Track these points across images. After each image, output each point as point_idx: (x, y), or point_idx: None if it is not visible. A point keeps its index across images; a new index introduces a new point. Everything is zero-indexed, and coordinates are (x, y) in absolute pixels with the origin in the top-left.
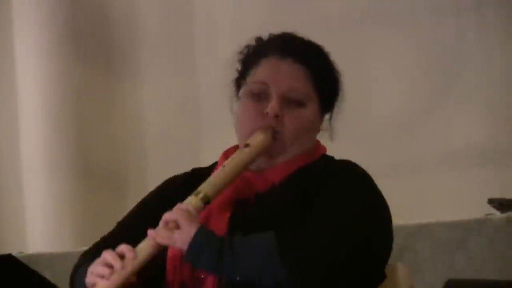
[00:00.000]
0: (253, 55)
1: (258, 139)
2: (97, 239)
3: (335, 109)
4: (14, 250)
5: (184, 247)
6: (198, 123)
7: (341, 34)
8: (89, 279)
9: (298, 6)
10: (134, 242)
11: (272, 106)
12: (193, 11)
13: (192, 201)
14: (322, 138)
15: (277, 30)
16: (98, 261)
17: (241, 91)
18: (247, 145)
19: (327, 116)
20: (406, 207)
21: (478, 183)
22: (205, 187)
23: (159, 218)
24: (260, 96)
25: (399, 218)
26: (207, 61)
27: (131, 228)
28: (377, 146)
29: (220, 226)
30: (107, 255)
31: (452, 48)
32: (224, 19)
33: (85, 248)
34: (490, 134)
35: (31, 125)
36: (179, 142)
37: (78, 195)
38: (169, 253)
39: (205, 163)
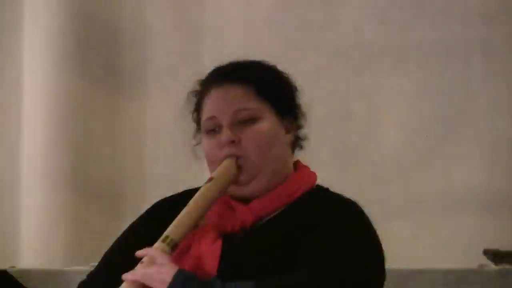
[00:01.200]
0: (198, 96)
1: (220, 171)
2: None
3: (300, 115)
4: (5, 264)
5: (163, 286)
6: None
7: (346, 68)
8: None
9: (305, 36)
10: (123, 271)
11: (224, 134)
12: (203, 33)
13: (159, 248)
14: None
15: (282, 55)
16: None
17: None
18: (210, 179)
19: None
20: (400, 250)
21: (474, 231)
22: (172, 231)
23: (146, 244)
24: (215, 130)
25: (392, 261)
26: None
27: (119, 256)
28: (375, 184)
29: (211, 266)
30: None
31: (458, 90)
32: (234, 42)
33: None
34: (490, 180)
35: (34, 136)
36: (180, 165)
37: (74, 210)
38: None
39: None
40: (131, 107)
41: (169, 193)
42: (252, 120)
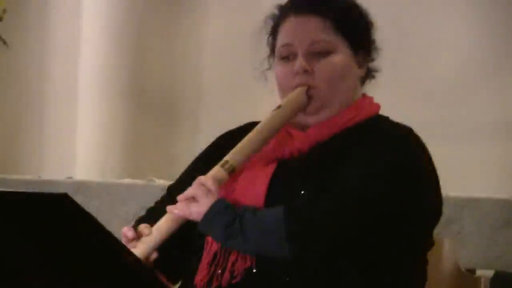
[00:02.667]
0: (276, 21)
1: (289, 98)
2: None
3: (373, 52)
4: (63, 174)
5: (199, 218)
6: (258, 62)
7: None
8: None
9: None
10: None
11: (298, 63)
12: None
13: (217, 172)
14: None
15: None
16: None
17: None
18: (279, 107)
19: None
20: (453, 177)
21: None
22: (233, 157)
23: None
24: (289, 58)
25: (448, 189)
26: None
27: (182, 189)
28: (433, 107)
29: (261, 186)
30: (127, 231)
31: None
32: None
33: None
34: None
35: (91, 48)
36: (237, 80)
37: (130, 121)
38: None
39: (260, 103)
40: (191, 21)
41: (225, 110)
42: (326, 52)
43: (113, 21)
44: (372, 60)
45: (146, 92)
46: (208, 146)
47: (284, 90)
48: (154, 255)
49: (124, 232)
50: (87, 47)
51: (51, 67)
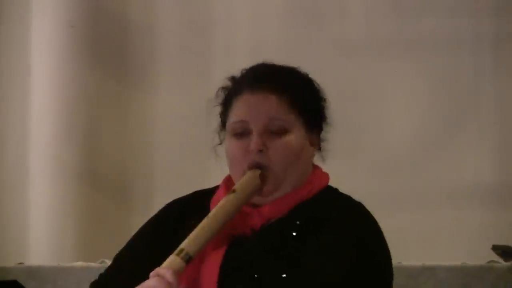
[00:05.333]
0: (229, 95)
1: (243, 182)
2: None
3: (324, 128)
4: (13, 260)
5: None
6: (209, 137)
7: (354, 61)
8: None
9: (316, 28)
10: (133, 276)
11: (254, 141)
12: (211, 25)
13: (173, 262)
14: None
15: (293, 48)
16: None
17: (226, 132)
18: (233, 191)
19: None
20: (407, 244)
21: (484, 225)
22: (188, 244)
23: (157, 248)
24: (242, 134)
25: (399, 257)
26: (222, 75)
27: (128, 262)
28: (384, 176)
29: (213, 264)
30: None
31: (467, 82)
32: (243, 35)
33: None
34: (499, 174)
35: (42, 128)
36: (189, 155)
37: (83, 203)
38: None
39: (213, 177)
40: (141, 99)
41: (178, 186)
42: (282, 131)
43: (62, 102)
44: (324, 139)
45: (98, 171)
46: (156, 214)
47: (236, 166)
48: None
49: None
50: (37, 127)
51: (0, 149)
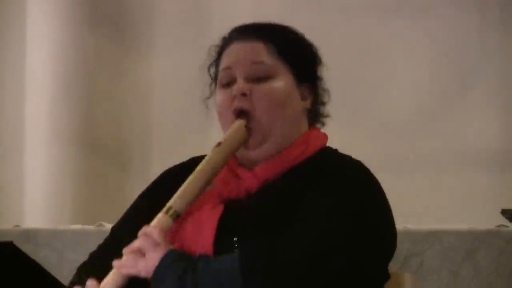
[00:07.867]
0: (219, 51)
1: (229, 134)
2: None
3: (319, 85)
4: (10, 222)
5: (149, 275)
6: (207, 101)
7: (360, 25)
8: None
9: None
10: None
11: (237, 86)
12: None
13: (160, 220)
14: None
15: (297, 10)
16: None
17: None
18: (219, 144)
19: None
20: (413, 209)
21: (491, 190)
22: (176, 202)
23: (154, 215)
24: (229, 83)
25: (406, 221)
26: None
27: (126, 229)
28: (389, 139)
29: (208, 231)
30: None
31: (473, 45)
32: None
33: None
34: (504, 138)
35: (38, 91)
36: (186, 120)
37: (80, 166)
38: None
39: (211, 138)
40: (138, 63)
41: (175, 149)
42: (267, 76)
43: (59, 64)
44: (319, 99)
45: (95, 134)
46: (151, 183)
47: (223, 117)
48: None
49: None
50: (33, 91)
51: None
